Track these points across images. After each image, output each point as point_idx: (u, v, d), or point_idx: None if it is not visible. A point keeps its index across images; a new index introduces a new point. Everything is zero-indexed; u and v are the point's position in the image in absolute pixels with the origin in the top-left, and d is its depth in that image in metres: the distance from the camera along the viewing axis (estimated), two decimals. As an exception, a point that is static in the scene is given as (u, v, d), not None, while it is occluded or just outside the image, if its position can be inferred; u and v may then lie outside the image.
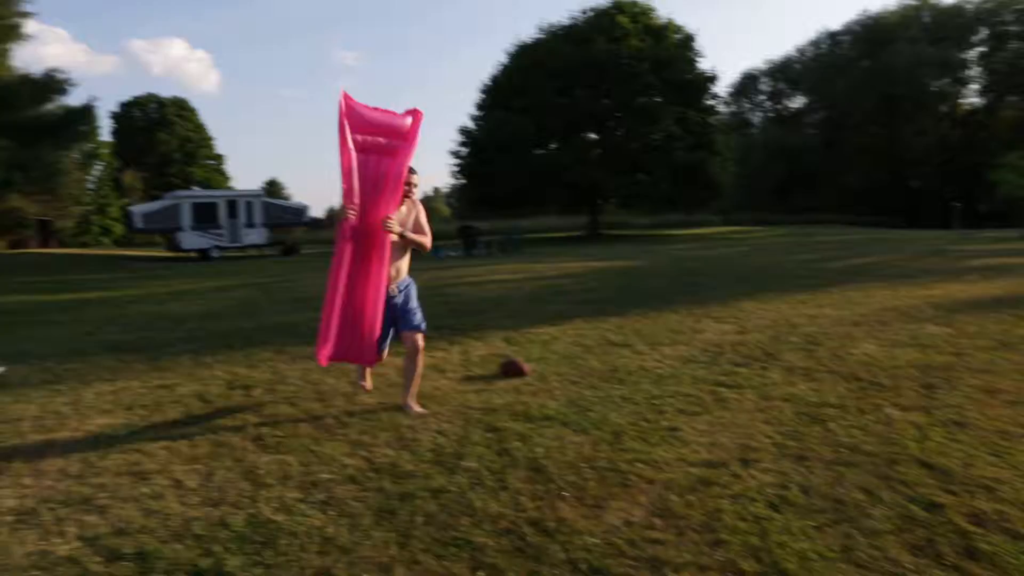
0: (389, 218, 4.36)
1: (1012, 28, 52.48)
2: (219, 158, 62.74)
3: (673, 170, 30.12)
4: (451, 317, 8.67)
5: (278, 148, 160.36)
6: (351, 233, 4.38)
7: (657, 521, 3.06)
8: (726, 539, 2.88)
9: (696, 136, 31.14)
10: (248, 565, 2.77)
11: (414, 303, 4.67)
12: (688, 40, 33.11)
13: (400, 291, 4.62)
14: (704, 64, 34.59)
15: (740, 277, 12.66)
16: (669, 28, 32.79)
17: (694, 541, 2.88)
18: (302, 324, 8.61)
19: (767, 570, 2.65)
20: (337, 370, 6.00)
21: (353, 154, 4.31)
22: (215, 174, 60.22)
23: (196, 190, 33.25)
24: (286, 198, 62.07)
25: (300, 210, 32.35)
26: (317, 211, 36.63)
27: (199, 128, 60.56)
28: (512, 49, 34.53)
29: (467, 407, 4.75)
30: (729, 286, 11.14)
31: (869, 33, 57.01)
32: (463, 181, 36.01)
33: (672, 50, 31.71)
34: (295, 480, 3.61)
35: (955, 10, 54.43)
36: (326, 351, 4.49)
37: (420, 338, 4.62)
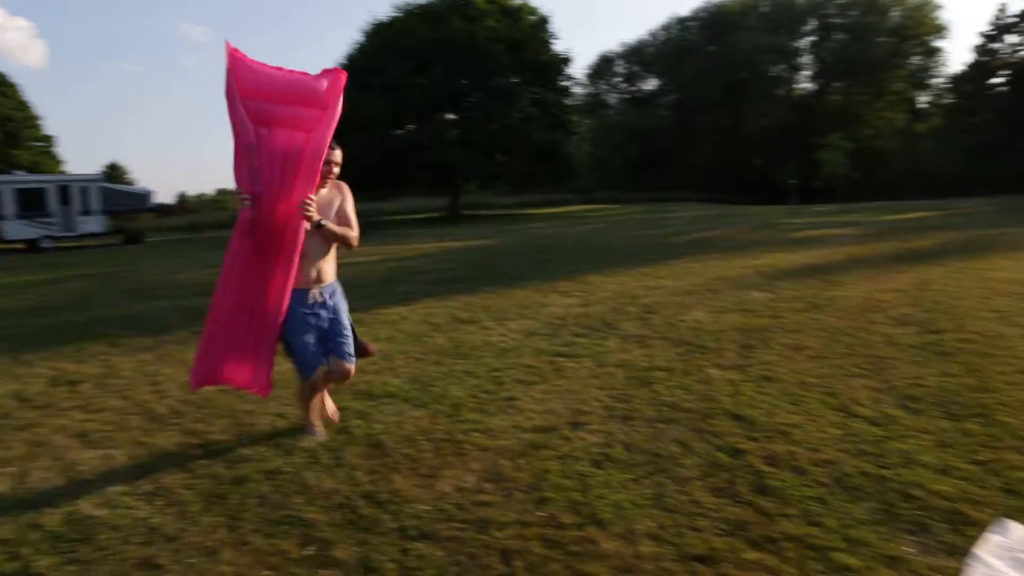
0: (308, 200, 3.36)
1: (836, 21, 57.00)
2: (48, 139, 57.35)
3: (530, 150, 30.69)
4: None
5: (120, 129, 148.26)
6: (251, 227, 3.38)
7: (487, 485, 3.20)
8: (550, 497, 3.06)
9: (553, 117, 31.82)
10: (61, 564, 2.66)
11: (347, 321, 3.72)
12: (543, 22, 33.63)
13: (326, 299, 3.62)
14: (559, 46, 35.40)
15: (590, 253, 13.16)
16: (524, 9, 33.17)
17: (520, 501, 3.04)
18: (142, 315, 8.17)
19: (585, 521, 2.84)
20: (176, 360, 5.77)
21: (249, 127, 3.32)
22: (44, 157, 54.92)
23: (20, 174, 30.27)
24: (129, 183, 57.75)
25: (143, 195, 30.21)
26: (165, 196, 34.44)
27: (23, 106, 54.97)
28: (367, 27, 33.86)
29: (310, 389, 4.71)
30: (578, 262, 11.57)
31: (714, 20, 60.13)
32: (321, 163, 34.90)
33: (527, 31, 32.16)
34: (120, 473, 3.48)
35: (788, 2, 58.38)
36: (200, 372, 3.50)
37: (352, 369, 3.71)
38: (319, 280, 3.59)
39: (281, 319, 3.50)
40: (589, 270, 10.22)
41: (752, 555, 2.58)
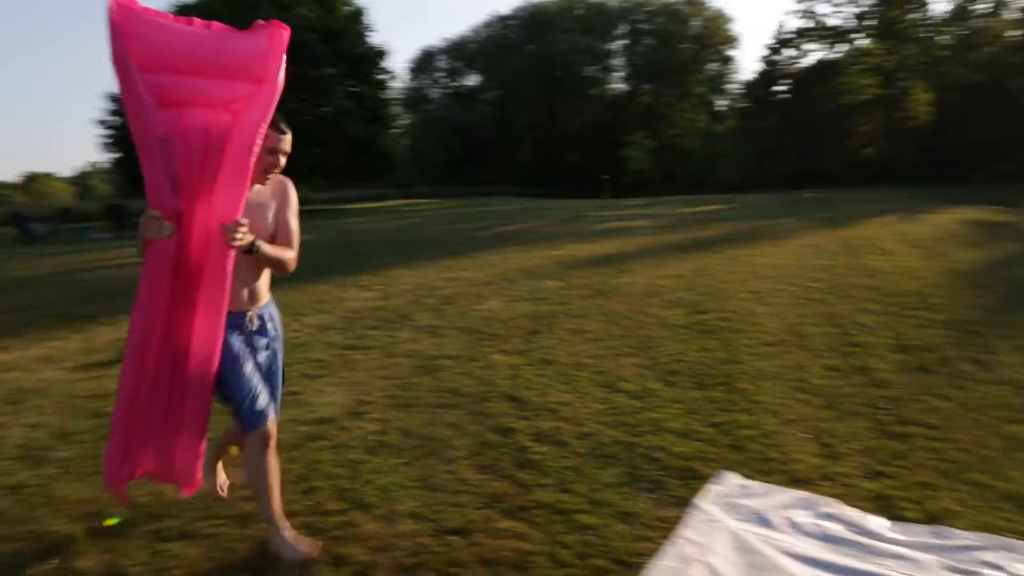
0: (235, 224, 2.36)
1: (645, 26, 60.85)
2: None
3: (347, 144, 30.16)
4: (79, 303, 7.91)
5: None
6: (176, 261, 2.40)
7: (256, 481, 3.16)
8: (319, 486, 3.09)
9: (369, 110, 31.51)
10: None
11: (281, 364, 2.84)
12: (358, 13, 33.18)
13: (264, 324, 2.73)
14: (377, 38, 35.10)
15: (399, 247, 13.20)
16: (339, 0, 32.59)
17: (288, 492, 3.02)
18: None
19: (349, 506, 2.90)
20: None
21: (154, 112, 2.30)
22: None
23: None
24: None
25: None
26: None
27: None
28: (170, 9, 31.64)
29: (74, 396, 4.40)
30: (386, 256, 11.55)
31: (532, 19, 62.00)
32: (118, 154, 32.23)
33: (343, 22, 31.54)
34: None
35: (600, 6, 61.44)
36: (119, 465, 2.48)
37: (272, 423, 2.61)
38: (253, 300, 2.67)
39: (211, 381, 2.52)
40: (395, 264, 10.24)
41: (504, 524, 2.76)
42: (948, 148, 38.94)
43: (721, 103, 61.71)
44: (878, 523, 2.88)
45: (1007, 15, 40.73)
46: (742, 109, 56.78)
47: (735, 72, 60.44)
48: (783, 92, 51.47)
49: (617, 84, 63.81)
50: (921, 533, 2.80)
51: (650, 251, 10.51)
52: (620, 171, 47.60)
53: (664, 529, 2.73)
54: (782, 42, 50.17)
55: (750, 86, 55.10)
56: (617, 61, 63.04)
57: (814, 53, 49.02)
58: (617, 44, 62.48)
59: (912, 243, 10.51)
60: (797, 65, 50.16)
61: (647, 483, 3.12)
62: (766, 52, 51.75)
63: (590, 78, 61.88)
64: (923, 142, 41.07)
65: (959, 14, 42.72)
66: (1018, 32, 39.62)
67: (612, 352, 5.08)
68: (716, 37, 58.30)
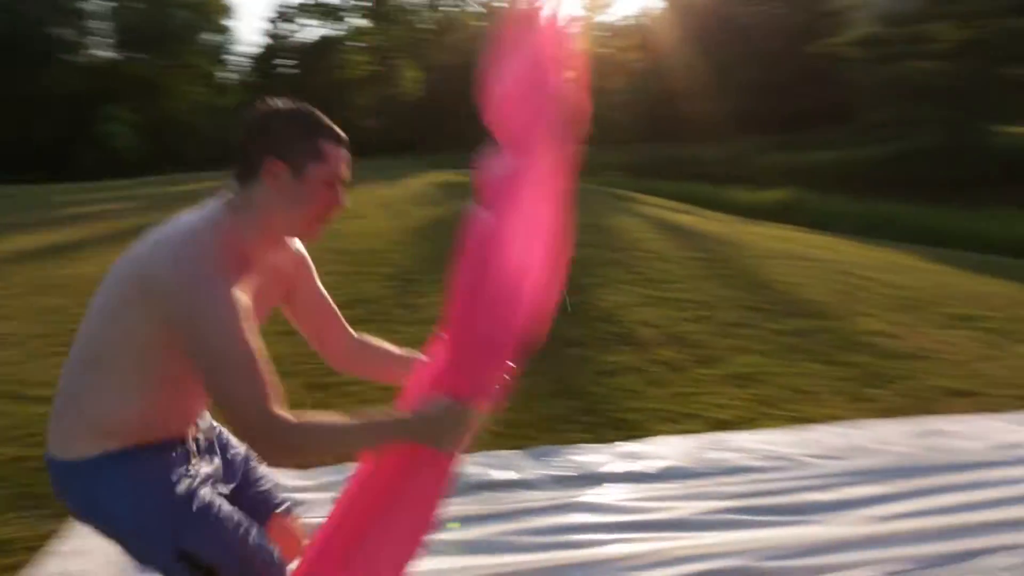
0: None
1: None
2: None
3: None
4: None
5: None
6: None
7: None
8: None
9: None
10: None
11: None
12: None
13: (213, 441, 1.74)
14: None
15: None
16: None
17: None
18: None
19: None
20: None
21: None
22: None
23: None
24: None
25: None
26: None
27: None
28: None
29: None
30: None
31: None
32: None
33: None
34: None
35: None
36: None
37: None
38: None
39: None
40: None
41: None
42: (435, 120, 44.03)
43: (224, 75, 59.50)
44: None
45: (472, 8, 47.65)
46: (250, 83, 55.68)
47: (234, 43, 58.87)
48: (289, 66, 51.92)
49: (103, 51, 56.81)
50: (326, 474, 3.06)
51: (116, 236, 9.41)
52: (110, 148, 42.93)
53: (39, 549, 2.45)
54: (281, 16, 50.55)
55: (256, 59, 54.33)
56: (100, 24, 56.03)
57: (315, 29, 50.58)
58: (98, 6, 55.46)
59: (385, 206, 11.49)
60: (302, 40, 51.10)
61: (32, 500, 2.76)
62: (267, 26, 51.62)
63: (64, 42, 53.79)
64: (414, 115, 45.73)
65: (432, 3, 48.40)
66: (482, 23, 46.50)
67: (34, 355, 4.45)
68: (211, 6, 55.80)
